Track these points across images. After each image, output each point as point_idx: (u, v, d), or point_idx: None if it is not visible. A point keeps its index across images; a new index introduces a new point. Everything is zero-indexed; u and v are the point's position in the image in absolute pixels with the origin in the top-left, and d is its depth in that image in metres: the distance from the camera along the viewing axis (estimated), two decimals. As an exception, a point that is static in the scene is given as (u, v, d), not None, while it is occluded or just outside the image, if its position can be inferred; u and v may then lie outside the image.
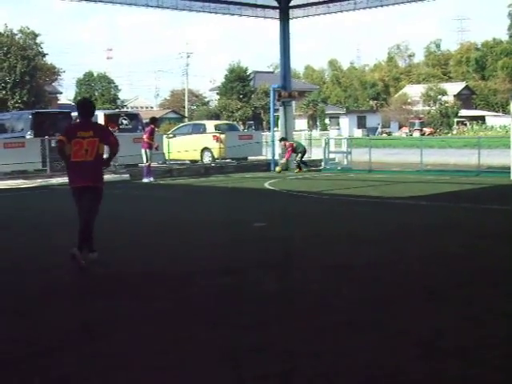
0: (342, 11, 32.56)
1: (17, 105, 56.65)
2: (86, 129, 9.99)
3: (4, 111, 48.13)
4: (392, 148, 52.25)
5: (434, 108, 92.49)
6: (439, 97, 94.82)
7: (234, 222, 14.72)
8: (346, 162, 32.03)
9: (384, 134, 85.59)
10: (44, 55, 66.52)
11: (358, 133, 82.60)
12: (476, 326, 6.89)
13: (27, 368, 6.02)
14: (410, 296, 8.16)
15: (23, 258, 11.24)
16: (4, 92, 57.78)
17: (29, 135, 28.94)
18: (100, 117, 32.15)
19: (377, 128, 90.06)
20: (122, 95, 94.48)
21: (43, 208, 18.80)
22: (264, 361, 5.99)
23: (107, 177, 27.22)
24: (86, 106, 10.47)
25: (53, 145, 25.83)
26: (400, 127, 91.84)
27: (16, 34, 62.46)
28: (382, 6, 31.09)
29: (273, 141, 32.74)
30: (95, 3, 30.07)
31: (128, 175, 27.10)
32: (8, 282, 9.49)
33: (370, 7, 31.62)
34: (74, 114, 33.91)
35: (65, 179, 22.69)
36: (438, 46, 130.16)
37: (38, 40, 65.04)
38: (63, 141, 9.96)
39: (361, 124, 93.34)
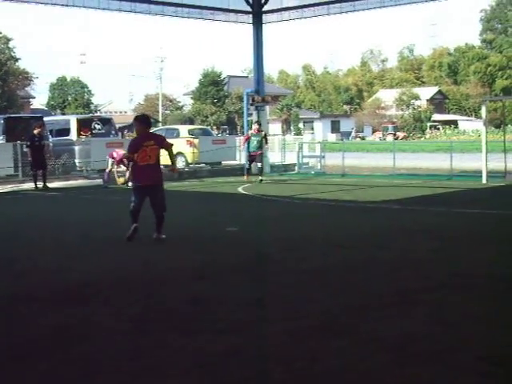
0: (315, 16, 32.68)
1: (-12, 110, 56.31)
2: (149, 139, 12.59)
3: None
4: (365, 152, 52.48)
5: (407, 112, 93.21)
6: (412, 101, 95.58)
7: (206, 227, 14.70)
8: (319, 167, 32.15)
9: (358, 139, 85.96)
10: (16, 60, 66.14)
11: (332, 137, 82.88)
12: (448, 330, 6.92)
13: (-1, 375, 5.97)
14: (382, 300, 8.17)
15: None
16: (-24, 97, 57.48)
17: (1, 140, 28.73)
18: (72, 121, 32.03)
19: (350, 132, 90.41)
20: (95, 100, 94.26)
21: (13, 214, 18.64)
22: (238, 366, 5.98)
23: (79, 182, 27.37)
24: (146, 120, 13.17)
25: (24, 149, 25.70)
26: (373, 131, 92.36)
27: (-12, 39, 62.11)
28: (354, 11, 31.26)
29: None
30: (67, 7, 29.89)
31: (101, 180, 26.93)
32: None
33: (342, 12, 31.78)
34: (47, 118, 33.85)
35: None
36: (411, 51, 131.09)
37: (11, 44, 64.74)
38: (130, 156, 12.70)
39: (335, 128, 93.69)
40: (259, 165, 27.18)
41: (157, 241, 12.61)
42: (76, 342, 6.81)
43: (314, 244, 12.39)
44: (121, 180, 25.14)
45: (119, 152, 25.24)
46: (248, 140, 27.57)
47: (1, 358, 6.38)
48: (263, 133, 27.54)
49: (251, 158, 27.55)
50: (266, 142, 28.22)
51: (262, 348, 6.46)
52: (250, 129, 34.44)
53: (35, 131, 25.21)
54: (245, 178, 27.37)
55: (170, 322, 7.38)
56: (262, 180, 26.66)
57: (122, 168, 24.94)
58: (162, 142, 12.88)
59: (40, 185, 25.27)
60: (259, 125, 27.86)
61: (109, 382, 5.74)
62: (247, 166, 28.20)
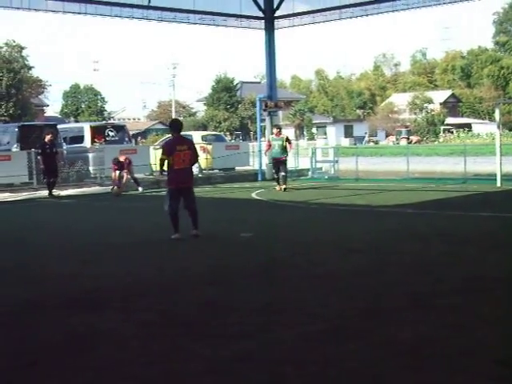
0: (327, 21, 32.68)
1: (3, 118, 56.51)
2: (182, 143, 13.51)
3: (-10, 124, 47.98)
4: (379, 156, 52.38)
5: (420, 116, 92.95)
6: (425, 105, 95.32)
7: (220, 233, 14.72)
8: (332, 171, 32.12)
9: (371, 143, 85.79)
10: (30, 68, 66.46)
11: (345, 142, 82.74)
12: (462, 334, 6.90)
13: (13, 381, 6.00)
14: (395, 304, 8.16)
15: (9, 270, 11.19)
16: (-10, 105, 57.73)
17: (15, 148, 28.86)
18: (86, 129, 32.15)
19: (364, 137, 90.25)
20: (108, 107, 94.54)
21: (29, 221, 18.73)
22: (251, 370, 5.98)
23: (93, 189, 27.45)
24: (179, 124, 14.05)
25: (39, 157, 25.82)
26: (387, 136, 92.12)
27: (1, 47, 62.39)
28: (366, 15, 31.24)
29: (260, 151, 32.77)
30: (80, 15, 30.04)
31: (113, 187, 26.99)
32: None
33: (354, 17, 31.79)
34: (61, 126, 33.99)
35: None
36: (423, 54, 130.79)
37: (24, 53, 65.04)
38: (164, 158, 13.40)
39: (348, 133, 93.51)
40: (283, 173, 24.84)
41: (194, 237, 13.55)
42: (89, 347, 6.83)
43: (328, 248, 12.39)
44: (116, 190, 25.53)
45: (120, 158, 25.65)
46: (270, 146, 25.93)
47: (15, 365, 6.40)
48: (285, 136, 25.79)
49: (276, 165, 25.38)
50: (291, 145, 25.98)
51: (276, 352, 6.46)
52: (263, 135, 34.56)
53: (46, 138, 25.30)
54: (277, 188, 25.08)
55: (183, 327, 7.39)
56: (285, 189, 24.55)
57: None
58: (193, 149, 13.79)
59: (55, 192, 25.36)
60: (279, 128, 26.16)
61: (122, 388, 5.77)
62: (275, 174, 25.70)
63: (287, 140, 25.35)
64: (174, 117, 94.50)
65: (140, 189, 26.44)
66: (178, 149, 13.33)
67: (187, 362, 6.24)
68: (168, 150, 13.49)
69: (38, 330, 7.57)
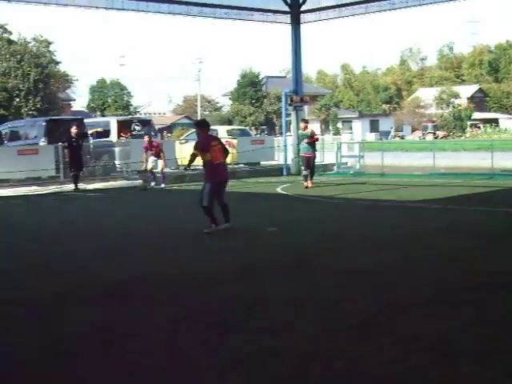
0: (353, 15, 32.58)
1: (30, 112, 56.83)
2: (213, 140, 14.35)
3: (18, 118, 48.31)
4: (405, 151, 52.14)
5: (446, 111, 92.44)
6: (452, 100, 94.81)
7: (246, 227, 14.73)
8: (358, 166, 32.04)
9: (397, 138, 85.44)
10: (57, 63, 66.81)
11: (371, 137, 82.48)
12: (489, 330, 6.87)
13: (41, 373, 6.05)
14: (421, 299, 8.14)
15: (37, 263, 11.29)
16: (18, 99, 58.01)
17: (42, 142, 29.05)
18: (112, 123, 32.31)
19: (389, 132, 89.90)
20: (134, 101, 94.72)
21: (56, 214, 18.86)
22: (277, 364, 6.00)
23: (119, 183, 27.59)
24: (207, 124, 14.54)
25: (65, 150, 26.01)
26: (413, 131, 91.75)
27: (29, 42, 62.76)
28: (393, 9, 31.10)
29: (285, 145, 32.77)
30: (107, 10, 30.18)
31: (141, 181, 27.10)
32: (21, 287, 9.53)
33: (381, 11, 31.66)
34: (87, 120, 34.17)
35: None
36: (450, 48, 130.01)
37: (51, 48, 65.39)
38: (196, 153, 14.03)
39: (373, 128, 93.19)
40: (305, 172, 24.03)
41: (226, 229, 13.86)
42: (116, 340, 6.89)
43: (353, 243, 12.37)
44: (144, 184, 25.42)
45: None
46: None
47: (44, 356, 6.46)
48: (310, 130, 24.65)
49: (305, 161, 24.13)
50: (314, 139, 24.27)
51: (301, 347, 6.47)
52: (289, 129, 34.54)
53: (72, 132, 25.45)
54: (305, 184, 23.86)
55: (209, 321, 7.42)
56: (307, 187, 23.56)
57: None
58: (222, 143, 14.49)
59: (81, 186, 25.50)
60: (306, 122, 25.05)
61: (148, 380, 5.80)
62: (304, 171, 24.27)
63: (312, 134, 24.53)
64: (199, 111, 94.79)
65: (162, 185, 26.42)
66: (213, 144, 13.93)
67: (214, 356, 6.27)
68: (204, 147, 13.91)
69: (65, 322, 7.63)
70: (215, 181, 13.96)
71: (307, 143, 23.99)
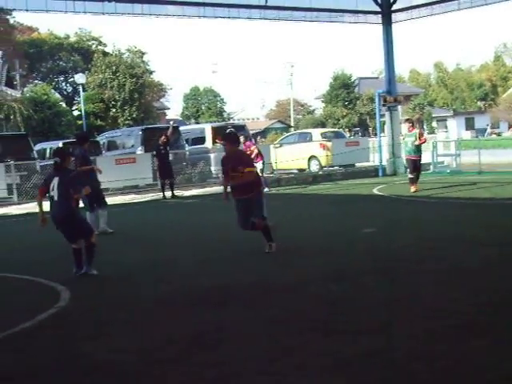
0: (445, 12, 32.12)
1: (127, 122, 57.99)
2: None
3: (115, 128, 49.38)
4: (502, 149, 51.04)
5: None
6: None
7: (343, 229, 14.71)
8: (454, 165, 31.52)
9: (493, 135, 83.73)
10: (151, 72, 68.02)
11: (467, 135, 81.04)
12: None
13: (140, 378, 6.20)
14: (526, 298, 8.00)
15: (137, 270, 11.52)
16: (114, 110, 59.27)
17: (139, 151, 29.62)
18: (207, 130, 32.71)
19: (486, 129, 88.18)
20: (228, 108, 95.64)
21: (155, 222, 19.19)
22: (379, 366, 5.99)
23: (215, 189, 27.84)
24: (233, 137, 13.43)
25: (154, 159, 26.46)
26: (510, 127, 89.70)
27: (124, 54, 64.07)
28: (486, 4, 30.52)
29: (380, 146, 32.56)
30: (199, 18, 30.56)
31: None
32: (122, 293, 9.76)
33: (474, 6, 31.09)
34: (182, 128, 34.69)
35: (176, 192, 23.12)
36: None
37: (145, 58, 66.65)
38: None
39: (469, 126, 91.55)
40: (410, 175, 22.37)
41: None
42: (217, 343, 6.97)
43: (452, 242, 12.21)
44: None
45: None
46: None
47: (143, 361, 6.60)
48: (417, 131, 22.76)
49: (411, 164, 22.58)
50: (421, 140, 22.41)
51: (403, 348, 6.44)
52: (383, 130, 34.29)
53: (160, 140, 25.84)
54: (412, 188, 21.99)
55: (309, 323, 7.44)
56: (416, 191, 21.75)
57: None
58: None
59: (168, 194, 25.72)
60: (411, 122, 23.49)
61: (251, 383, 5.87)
62: (410, 174, 22.52)
63: (420, 135, 22.51)
64: (292, 115, 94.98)
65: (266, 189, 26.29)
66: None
67: (316, 358, 6.30)
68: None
69: (165, 326, 7.77)
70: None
71: (414, 145, 22.35)
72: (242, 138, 26.30)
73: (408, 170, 23.30)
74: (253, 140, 34.83)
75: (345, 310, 7.97)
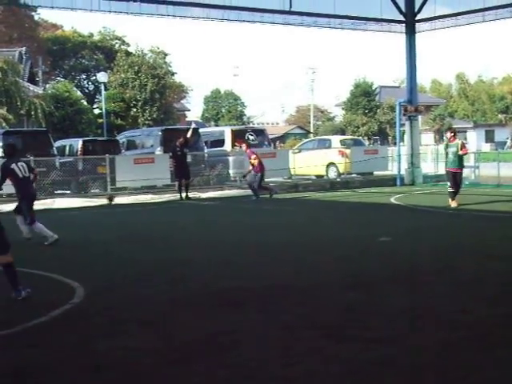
0: (469, 24, 32.01)
1: (147, 122, 58.13)
2: None
3: (135, 128, 49.55)
4: (522, 162, 50.79)
5: None
6: None
7: (359, 237, 14.69)
8: (473, 177, 31.42)
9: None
10: (173, 74, 68.17)
11: (486, 147, 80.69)
12: None
13: (153, 377, 6.21)
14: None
15: (153, 269, 11.56)
16: (135, 109, 59.44)
17: (158, 151, 29.70)
18: (227, 132, 32.76)
19: (506, 142, 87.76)
20: (248, 111, 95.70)
21: (171, 222, 19.24)
22: (391, 374, 5.99)
23: (233, 192, 27.90)
24: None
25: (170, 160, 26.59)
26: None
27: (146, 54, 64.27)
28: (511, 17, 30.37)
29: (399, 155, 32.50)
30: (222, 21, 30.61)
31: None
32: (137, 292, 9.79)
33: (498, 19, 30.96)
34: (202, 130, 34.76)
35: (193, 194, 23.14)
36: None
37: (167, 59, 66.84)
38: None
39: (489, 138, 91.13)
40: (450, 189, 20.82)
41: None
42: (230, 346, 6.98)
43: (468, 255, 12.18)
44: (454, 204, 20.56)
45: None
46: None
47: (158, 360, 6.63)
48: (460, 141, 21.33)
49: (451, 177, 20.92)
50: (464, 151, 21.10)
51: (416, 358, 6.43)
52: (402, 139, 34.21)
53: (178, 141, 25.94)
54: (451, 203, 20.53)
55: (323, 330, 7.43)
56: (458, 205, 20.34)
57: None
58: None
59: (194, 194, 25.88)
60: (453, 132, 21.76)
61: (263, 386, 5.88)
62: (450, 188, 20.93)
63: (462, 146, 21.06)
64: (311, 121, 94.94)
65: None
66: None
67: (328, 364, 6.30)
68: None
69: (181, 327, 7.79)
70: None
71: (457, 156, 20.84)
72: (243, 146, 26.38)
73: (448, 183, 21.35)
74: (271, 145, 34.96)
75: (359, 317, 7.96)
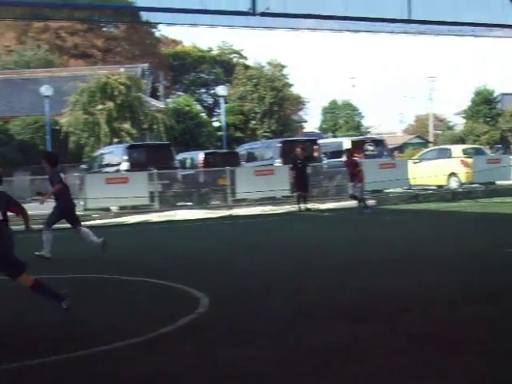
0: None
1: (265, 134, 58.60)
2: None
3: (253, 140, 50.02)
4: None
5: None
6: None
7: (482, 248, 14.34)
8: None
9: None
10: (290, 86, 68.56)
11: None
12: None
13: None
14: None
15: (275, 279, 11.60)
16: (254, 122, 60.02)
17: (278, 163, 29.88)
18: (345, 143, 32.71)
19: None
20: (365, 122, 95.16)
21: (291, 232, 19.32)
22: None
23: (352, 203, 27.76)
24: None
25: (290, 171, 26.64)
26: None
27: (264, 67, 64.85)
28: None
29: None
30: (335, 32, 30.45)
31: (374, 201, 27.18)
32: (261, 302, 9.84)
33: None
34: (321, 141, 34.84)
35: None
36: None
37: (285, 71, 67.25)
38: None
39: None
40: None
41: None
42: (355, 359, 6.90)
43: None
44: None
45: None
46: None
47: (283, 371, 6.62)
48: None
49: None
50: None
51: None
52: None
53: (298, 153, 26.00)
54: None
55: (447, 344, 7.26)
56: None
57: None
58: None
59: (312, 206, 25.90)
60: None
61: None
62: None
63: None
64: (430, 130, 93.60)
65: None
66: None
67: (452, 378, 6.16)
68: None
69: (305, 338, 7.78)
70: None
71: None
72: (362, 156, 26.14)
73: None
74: (390, 155, 34.66)
75: (475, 330, 7.73)
